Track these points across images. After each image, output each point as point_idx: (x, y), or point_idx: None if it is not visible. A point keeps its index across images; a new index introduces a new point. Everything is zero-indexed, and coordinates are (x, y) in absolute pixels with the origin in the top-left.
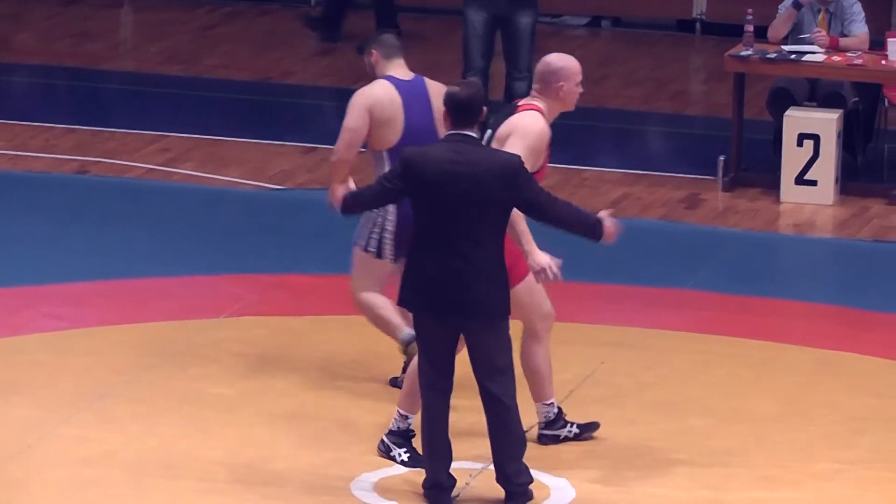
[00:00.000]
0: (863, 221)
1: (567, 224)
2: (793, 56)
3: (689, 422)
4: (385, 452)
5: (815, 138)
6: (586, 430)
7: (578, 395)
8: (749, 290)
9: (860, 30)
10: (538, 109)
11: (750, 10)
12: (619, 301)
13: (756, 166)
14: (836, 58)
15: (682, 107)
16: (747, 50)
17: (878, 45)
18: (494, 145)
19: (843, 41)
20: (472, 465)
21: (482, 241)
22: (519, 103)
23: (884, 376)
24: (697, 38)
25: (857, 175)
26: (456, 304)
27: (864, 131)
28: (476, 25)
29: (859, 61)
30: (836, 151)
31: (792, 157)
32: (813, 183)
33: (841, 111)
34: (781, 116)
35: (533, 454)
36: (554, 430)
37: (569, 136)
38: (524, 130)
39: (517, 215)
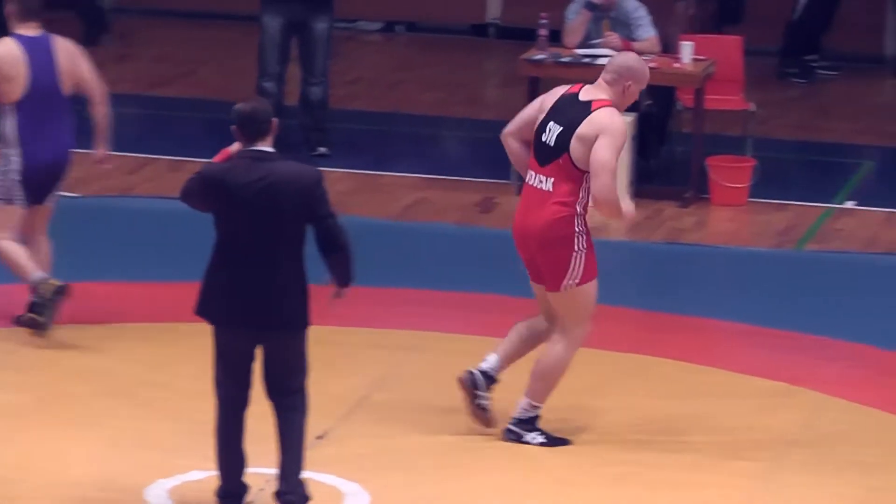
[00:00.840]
0: (656, 224)
1: (339, 258)
2: (586, 59)
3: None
4: (517, 439)
5: None
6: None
7: (372, 400)
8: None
9: (648, 34)
10: (611, 104)
11: (544, 15)
12: (413, 305)
13: None
14: None
15: (478, 111)
16: (541, 54)
17: (670, 47)
18: (574, 143)
19: (634, 45)
20: (266, 471)
21: (281, 254)
22: (585, 98)
23: (679, 379)
24: (492, 43)
25: (650, 178)
26: (254, 316)
27: (658, 134)
28: (272, 31)
29: (653, 64)
30: (629, 155)
31: None
32: None
33: (634, 114)
34: None
35: (326, 459)
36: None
37: (365, 142)
38: (613, 131)
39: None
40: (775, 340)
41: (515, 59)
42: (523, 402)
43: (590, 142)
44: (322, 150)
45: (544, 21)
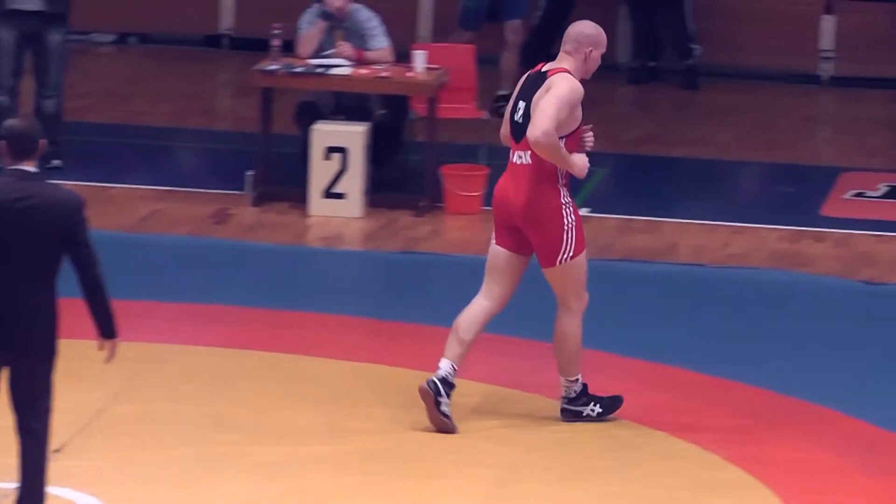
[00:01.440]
0: (391, 233)
1: (99, 301)
2: (319, 70)
3: (226, 437)
4: (575, 417)
5: (343, 151)
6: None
7: (111, 412)
8: (280, 303)
9: (382, 44)
10: (568, 71)
11: (277, 25)
12: (150, 318)
13: (285, 180)
14: (363, 71)
15: (212, 122)
16: (274, 64)
17: (403, 57)
18: (534, 113)
19: (368, 54)
20: (6, 486)
21: (35, 277)
22: (545, 69)
23: (410, 386)
24: (226, 54)
25: (384, 187)
26: (3, 340)
27: (392, 143)
28: (6, 44)
29: (386, 74)
30: (363, 164)
31: (320, 171)
32: (341, 196)
33: (368, 124)
34: (309, 130)
35: (63, 472)
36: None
37: (99, 154)
38: (560, 87)
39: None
40: (510, 347)
41: (249, 69)
42: (561, 380)
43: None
44: (56, 162)
45: (277, 31)
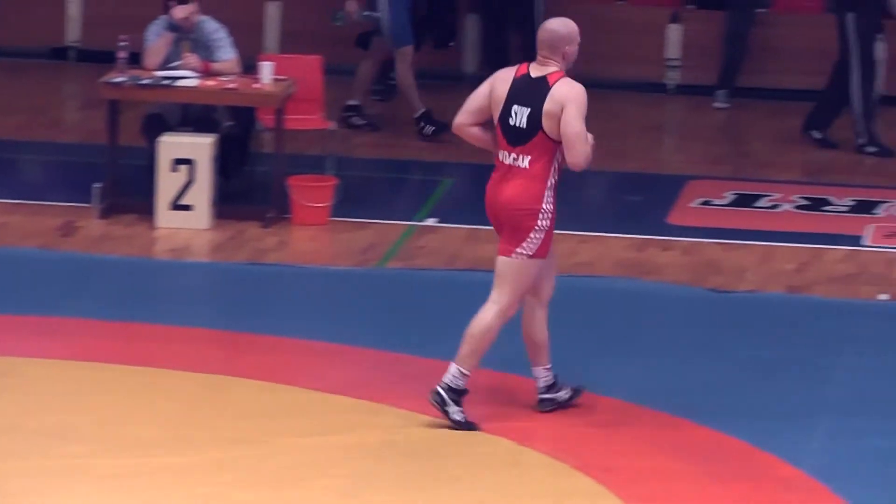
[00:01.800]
0: (239, 244)
1: None
2: (166, 81)
3: (72, 449)
4: (440, 405)
5: (190, 163)
6: (575, 395)
7: None
8: (127, 316)
9: (228, 55)
10: (562, 73)
11: (123, 37)
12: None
13: (132, 192)
14: (209, 82)
15: (59, 135)
16: (120, 76)
17: (250, 68)
18: (545, 121)
19: (214, 66)
20: None
21: None
22: (537, 75)
23: (261, 399)
24: (72, 66)
25: (232, 198)
26: None
27: (239, 155)
28: None
29: (233, 85)
30: (210, 176)
31: (167, 183)
32: (188, 208)
33: (215, 135)
34: (156, 142)
35: None
36: (552, 393)
37: None
38: (575, 98)
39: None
40: (357, 358)
41: (95, 81)
42: (452, 368)
43: (557, 115)
44: None
45: (124, 44)
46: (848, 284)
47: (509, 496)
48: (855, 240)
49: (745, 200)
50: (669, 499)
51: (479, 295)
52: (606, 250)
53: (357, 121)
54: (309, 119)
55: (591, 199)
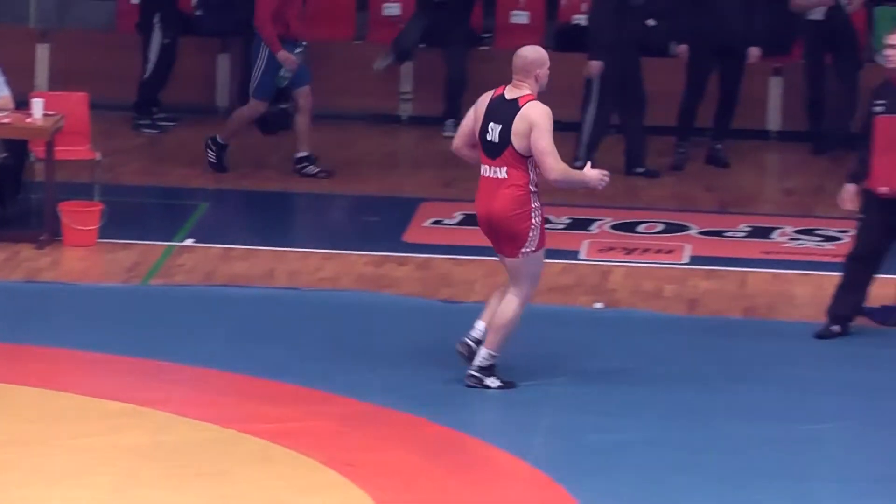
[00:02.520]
0: (15, 264)
1: None
2: None
3: None
4: (479, 384)
5: None
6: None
7: None
8: None
9: (3, 92)
10: (533, 96)
11: None
12: None
13: None
14: None
15: None
16: None
17: (23, 104)
18: (514, 138)
19: None
20: None
21: None
22: (511, 97)
23: (38, 405)
24: None
25: (8, 224)
26: None
27: (13, 184)
28: None
29: (7, 120)
30: None
31: None
32: None
33: None
34: None
35: None
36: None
37: None
38: (540, 119)
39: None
40: (125, 366)
41: None
42: (483, 352)
43: (526, 133)
44: None
45: None
46: (566, 294)
47: (266, 489)
48: (573, 254)
49: (471, 220)
50: (409, 489)
51: (233, 308)
52: (349, 266)
53: (311, 170)
54: (77, 150)
55: (334, 220)
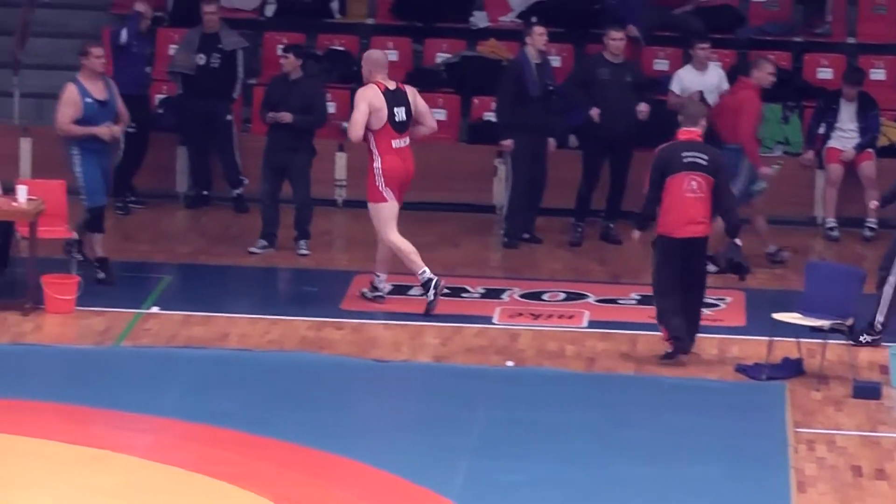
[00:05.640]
0: (3, 329)
1: None
2: None
3: None
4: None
5: None
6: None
7: None
8: None
9: None
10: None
11: None
12: None
13: None
14: None
15: None
16: None
17: (9, 190)
18: (427, 116)
19: None
20: None
21: None
22: (394, 87)
23: (17, 449)
24: None
25: None
26: None
27: (1, 258)
28: None
29: None
30: None
31: None
32: None
33: None
34: None
35: None
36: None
37: None
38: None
39: None
40: (98, 417)
41: None
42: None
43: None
44: None
45: None
46: (481, 354)
47: None
48: (487, 319)
49: (400, 290)
50: None
51: (192, 366)
52: (292, 330)
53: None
54: (56, 230)
55: (280, 291)
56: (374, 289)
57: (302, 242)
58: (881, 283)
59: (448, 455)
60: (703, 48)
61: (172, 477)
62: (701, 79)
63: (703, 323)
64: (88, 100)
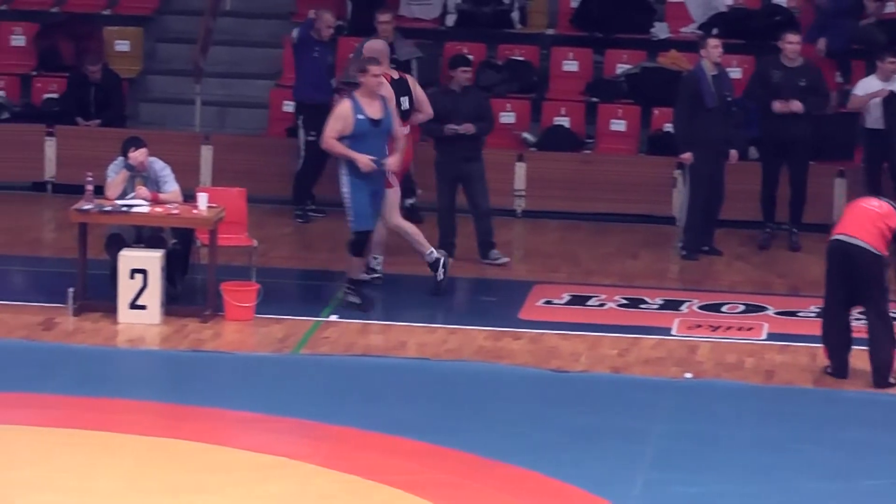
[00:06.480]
0: (182, 336)
1: None
2: (124, 208)
3: (46, 498)
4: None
5: (144, 272)
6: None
7: None
8: (93, 392)
9: (173, 187)
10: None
11: (89, 174)
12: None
13: (99, 296)
14: (158, 209)
15: (39, 250)
16: (88, 205)
17: (190, 198)
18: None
19: (161, 196)
20: None
21: None
22: (398, 77)
23: (197, 457)
24: (49, 196)
25: (177, 300)
26: None
27: (182, 266)
28: None
29: (176, 211)
30: (160, 282)
31: (126, 288)
32: (143, 307)
33: (163, 251)
34: (117, 255)
35: None
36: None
37: None
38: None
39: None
40: (276, 425)
41: (68, 208)
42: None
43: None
44: None
45: (90, 179)
46: (659, 366)
47: None
48: (665, 330)
49: (578, 300)
50: None
51: (370, 375)
52: (470, 340)
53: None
54: (236, 237)
55: (458, 300)
56: (372, 270)
57: (494, 252)
58: None
59: (626, 467)
60: (893, 62)
61: (349, 485)
62: (884, 88)
63: None
64: (360, 116)
